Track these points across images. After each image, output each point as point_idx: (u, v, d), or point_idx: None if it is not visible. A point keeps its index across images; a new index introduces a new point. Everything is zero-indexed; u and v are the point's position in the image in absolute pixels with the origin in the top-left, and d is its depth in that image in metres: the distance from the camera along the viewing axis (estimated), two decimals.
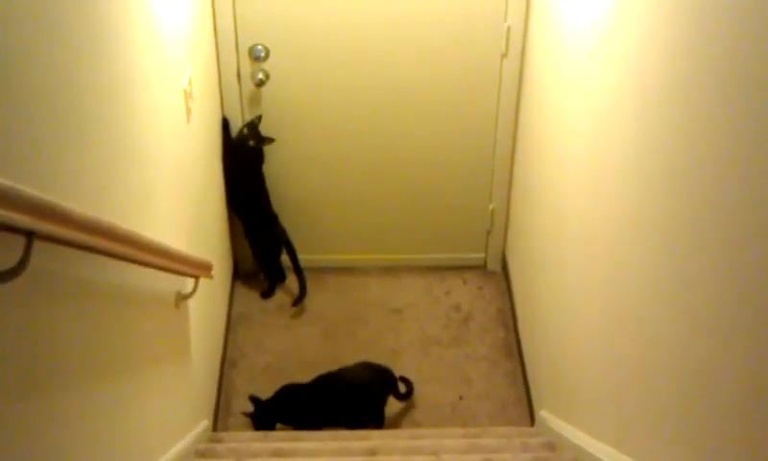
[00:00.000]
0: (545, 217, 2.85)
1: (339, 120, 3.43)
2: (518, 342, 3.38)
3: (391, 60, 3.28)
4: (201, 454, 2.44)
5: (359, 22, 3.19)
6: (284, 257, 3.62)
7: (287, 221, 3.57)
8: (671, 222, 1.58)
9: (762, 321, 1.18)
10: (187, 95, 2.48)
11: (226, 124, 3.34)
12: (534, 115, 3.09)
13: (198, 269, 2.29)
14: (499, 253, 3.79)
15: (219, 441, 2.70)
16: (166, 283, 2.13)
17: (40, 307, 1.20)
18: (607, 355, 2.06)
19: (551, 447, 2.54)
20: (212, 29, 3.13)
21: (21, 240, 1.01)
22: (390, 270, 3.81)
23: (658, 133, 1.65)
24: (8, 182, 0.93)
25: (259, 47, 3.23)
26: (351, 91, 3.36)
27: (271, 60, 3.26)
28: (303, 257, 3.59)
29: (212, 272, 2.50)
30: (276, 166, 3.51)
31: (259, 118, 3.33)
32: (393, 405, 3.13)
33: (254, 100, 3.36)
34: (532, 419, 3.05)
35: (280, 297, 3.68)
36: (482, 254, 3.83)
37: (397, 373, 3.17)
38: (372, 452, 2.49)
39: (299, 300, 3.60)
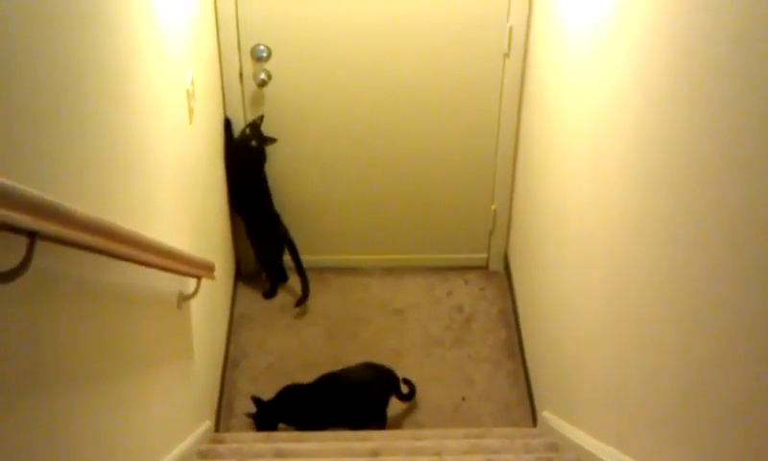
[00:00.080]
0: (547, 217, 2.85)
1: (341, 120, 3.43)
2: (521, 342, 3.38)
3: (393, 60, 3.28)
4: (203, 455, 2.44)
5: (361, 22, 3.19)
6: (287, 258, 3.62)
7: (289, 221, 3.57)
8: (673, 222, 1.57)
9: (764, 321, 1.18)
10: (189, 95, 2.48)
11: (228, 124, 3.34)
12: (536, 115, 3.09)
13: (200, 269, 2.29)
14: (501, 253, 3.79)
15: (221, 441, 2.70)
16: (168, 284, 2.13)
17: (43, 307, 1.20)
18: (608, 356, 2.06)
19: (553, 447, 2.53)
20: (214, 29, 3.14)
21: (24, 240, 1.01)
22: (392, 270, 3.81)
23: (659, 132, 1.65)
24: (10, 183, 0.93)
25: (261, 47, 3.23)
26: (353, 91, 3.36)
27: (273, 60, 3.26)
28: (305, 258, 3.59)
29: (214, 272, 2.50)
30: (279, 166, 3.51)
31: (261, 118, 3.33)
32: (395, 406, 3.13)
33: (257, 100, 3.36)
34: (534, 419, 3.05)
35: (283, 297, 3.68)
36: (484, 255, 3.83)
37: (400, 373, 3.17)
38: (375, 453, 2.49)
39: (302, 300, 3.60)
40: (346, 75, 3.31)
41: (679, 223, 1.54)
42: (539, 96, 3.03)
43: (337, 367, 3.15)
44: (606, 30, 2.05)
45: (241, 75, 3.29)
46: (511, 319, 3.55)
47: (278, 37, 3.22)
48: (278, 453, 2.50)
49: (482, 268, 3.85)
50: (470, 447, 2.58)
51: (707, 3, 1.41)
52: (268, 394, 3.06)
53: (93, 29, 1.50)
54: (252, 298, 3.67)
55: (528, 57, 3.20)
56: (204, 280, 2.41)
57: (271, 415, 3.02)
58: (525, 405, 3.17)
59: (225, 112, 3.34)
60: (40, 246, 1.03)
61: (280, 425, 3.04)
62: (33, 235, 1.01)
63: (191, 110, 2.51)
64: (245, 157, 3.38)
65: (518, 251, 3.52)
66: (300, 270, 3.58)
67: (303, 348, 3.45)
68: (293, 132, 3.43)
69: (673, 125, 1.57)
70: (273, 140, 3.37)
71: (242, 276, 3.75)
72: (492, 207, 3.67)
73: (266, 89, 3.33)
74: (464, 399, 3.22)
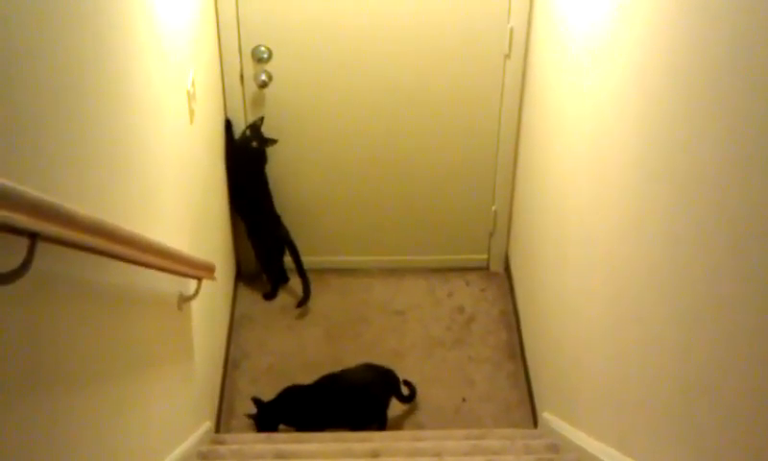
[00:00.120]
0: (548, 218, 2.85)
1: (342, 121, 3.43)
2: (521, 343, 3.38)
3: (394, 61, 3.28)
4: (203, 456, 2.44)
5: (362, 24, 3.19)
6: (287, 259, 3.62)
7: (290, 222, 3.57)
8: (673, 222, 1.57)
9: (765, 322, 1.18)
10: (190, 96, 2.48)
11: (228, 125, 3.35)
12: (537, 116, 3.09)
13: (200, 270, 2.29)
14: (502, 254, 3.79)
15: (221, 442, 2.70)
16: (169, 285, 2.13)
17: (43, 308, 1.20)
18: (609, 356, 2.06)
19: (554, 448, 2.53)
20: (215, 30, 3.14)
21: (24, 242, 1.01)
22: (393, 271, 3.81)
23: (660, 133, 1.65)
24: (11, 184, 0.93)
25: (262, 48, 3.23)
26: (354, 92, 3.36)
27: (274, 61, 3.26)
28: (306, 259, 3.59)
29: (215, 273, 2.50)
30: (279, 167, 3.51)
31: (261, 120, 3.33)
32: (395, 407, 3.13)
33: (257, 101, 3.36)
34: (535, 420, 3.05)
35: (283, 298, 3.68)
36: (485, 256, 3.83)
37: (400, 374, 3.16)
38: (375, 454, 2.49)
39: (303, 301, 3.60)
40: (346, 76, 3.31)
41: (679, 223, 1.54)
42: (539, 97, 3.03)
43: (337, 368, 3.15)
44: (606, 30, 2.05)
45: (242, 76, 3.29)
46: (511, 320, 3.55)
47: (279, 39, 3.22)
48: (279, 454, 2.50)
49: (483, 269, 3.85)
50: (471, 448, 2.58)
51: (707, 3, 1.41)
52: (268, 395, 3.06)
53: (93, 29, 1.50)
54: (252, 299, 3.67)
55: (529, 58, 3.20)
56: (204, 281, 2.41)
57: (271, 416, 3.02)
58: (526, 406, 3.17)
59: (225, 113, 3.34)
60: (41, 247, 1.03)
61: (281, 426, 3.03)
62: (33, 236, 1.01)
63: (192, 111, 2.51)
64: (245, 158, 3.38)
65: (519, 252, 3.52)
66: (301, 271, 3.58)
67: (304, 349, 3.45)
68: (294, 133, 3.44)
69: (673, 125, 1.57)
70: (273, 141, 3.37)
71: (243, 276, 3.75)
72: (493, 208, 3.67)
73: (267, 91, 3.33)
74: (464, 399, 3.22)
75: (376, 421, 3.06)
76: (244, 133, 3.35)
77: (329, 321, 3.58)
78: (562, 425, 2.55)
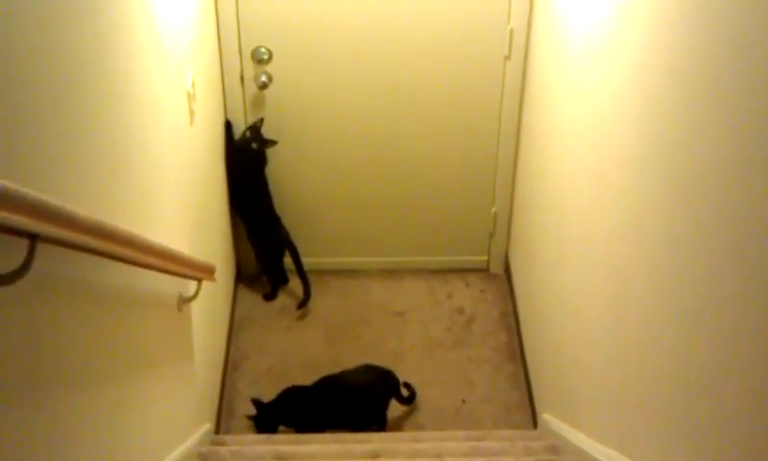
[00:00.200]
0: (548, 219, 2.85)
1: (342, 123, 3.43)
2: (521, 345, 3.37)
3: (393, 62, 3.28)
4: (203, 457, 2.44)
5: (362, 25, 3.19)
6: (287, 260, 3.62)
7: (290, 223, 3.57)
8: (673, 223, 1.57)
9: (765, 322, 1.18)
10: (190, 97, 2.48)
11: (228, 126, 3.35)
12: (537, 117, 3.09)
13: (200, 271, 2.29)
14: (502, 255, 3.79)
15: (221, 444, 2.70)
16: (169, 286, 2.13)
17: (43, 309, 1.20)
18: (609, 357, 2.05)
19: (554, 450, 2.53)
20: (215, 31, 3.14)
21: (24, 243, 1.01)
22: (392, 272, 3.81)
23: (660, 133, 1.65)
24: (11, 185, 0.93)
25: (262, 50, 3.23)
26: (354, 94, 3.36)
27: (274, 62, 3.26)
28: (306, 260, 3.59)
29: (215, 274, 2.50)
30: (279, 168, 3.51)
31: (261, 121, 3.33)
32: (395, 408, 3.13)
33: (257, 102, 3.36)
34: (535, 422, 3.05)
35: (283, 299, 3.68)
36: (485, 257, 3.83)
37: (400, 375, 3.16)
38: (375, 455, 2.49)
39: (303, 303, 3.60)
40: (347, 77, 3.31)
41: (679, 223, 1.54)
42: (539, 98, 3.03)
43: (337, 369, 3.14)
44: (606, 30, 2.05)
45: (242, 77, 3.29)
46: (511, 321, 3.55)
47: (279, 40, 3.22)
48: (278, 455, 2.50)
49: (483, 270, 3.84)
50: (471, 449, 2.58)
51: (707, 3, 1.41)
52: (268, 396, 3.06)
53: (93, 29, 1.50)
54: (252, 300, 3.67)
55: (529, 58, 3.20)
56: (204, 283, 2.41)
57: (271, 417, 3.02)
58: (526, 408, 3.17)
59: (225, 114, 3.34)
60: (41, 248, 1.03)
61: (280, 428, 3.03)
62: (33, 237, 1.01)
63: (192, 112, 2.51)
64: (245, 159, 3.39)
65: (519, 253, 3.52)
66: (301, 272, 3.58)
67: (304, 350, 3.45)
68: (294, 134, 3.44)
69: (673, 125, 1.57)
70: (273, 142, 3.37)
71: (243, 278, 3.75)
72: (493, 210, 3.67)
73: (267, 92, 3.33)
74: (464, 401, 3.22)
75: (376, 422, 3.06)
76: (244, 134, 3.35)
77: (329, 322, 3.58)
78: (561, 427, 2.55)
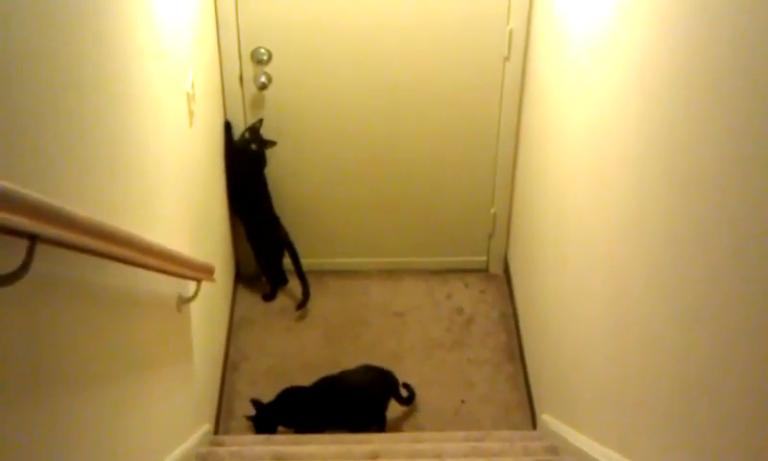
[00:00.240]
0: (547, 219, 2.85)
1: (341, 123, 3.43)
2: (521, 345, 3.37)
3: (393, 63, 3.28)
4: (202, 458, 2.44)
5: (362, 25, 3.19)
6: (286, 260, 3.62)
7: (289, 224, 3.57)
8: (674, 224, 1.57)
9: (765, 322, 1.18)
10: (190, 98, 2.48)
11: (228, 127, 3.34)
12: (536, 118, 3.09)
13: (200, 272, 2.29)
14: (501, 256, 3.79)
15: (220, 444, 2.70)
16: (168, 286, 2.13)
17: (43, 310, 1.20)
18: (608, 358, 2.05)
19: (553, 450, 2.53)
20: (215, 32, 3.14)
21: (24, 243, 1.01)
22: (392, 273, 3.81)
23: (660, 133, 1.65)
24: (11, 185, 0.93)
25: (262, 50, 3.23)
26: (354, 95, 3.36)
27: (273, 63, 3.26)
28: (305, 260, 3.59)
29: (214, 275, 2.50)
30: (279, 169, 3.51)
31: (260, 122, 3.33)
32: (394, 409, 3.13)
33: (257, 103, 3.36)
34: (534, 422, 3.05)
35: (282, 300, 3.68)
36: (484, 258, 3.83)
37: (399, 376, 3.16)
38: (374, 456, 2.49)
39: (302, 303, 3.59)
40: (346, 78, 3.31)
41: (679, 223, 1.54)
42: (539, 98, 3.03)
43: (336, 369, 3.14)
44: (606, 30, 2.05)
45: (241, 78, 3.29)
46: (511, 322, 3.55)
47: (279, 41, 3.22)
48: (278, 456, 2.50)
49: (482, 271, 3.84)
50: (470, 450, 2.58)
51: (707, 3, 1.41)
52: (267, 396, 3.06)
53: (93, 29, 1.50)
54: (251, 300, 3.67)
55: (528, 59, 3.21)
56: (203, 283, 2.41)
57: (270, 418, 3.01)
58: (525, 408, 3.17)
59: (225, 115, 3.34)
60: (40, 249, 1.03)
61: (280, 428, 3.03)
62: (33, 238, 1.01)
63: (191, 113, 2.51)
64: (245, 160, 3.38)
65: (518, 253, 3.52)
66: (300, 273, 3.58)
67: (303, 350, 3.44)
68: (293, 134, 3.44)
69: (673, 125, 1.57)
70: (272, 143, 3.37)
71: (242, 278, 3.75)
72: (492, 210, 3.67)
73: (266, 92, 3.33)
74: (463, 401, 3.22)
75: (375, 422, 3.06)
76: (243, 134, 3.34)
77: (328, 322, 3.58)
78: (561, 427, 2.55)
